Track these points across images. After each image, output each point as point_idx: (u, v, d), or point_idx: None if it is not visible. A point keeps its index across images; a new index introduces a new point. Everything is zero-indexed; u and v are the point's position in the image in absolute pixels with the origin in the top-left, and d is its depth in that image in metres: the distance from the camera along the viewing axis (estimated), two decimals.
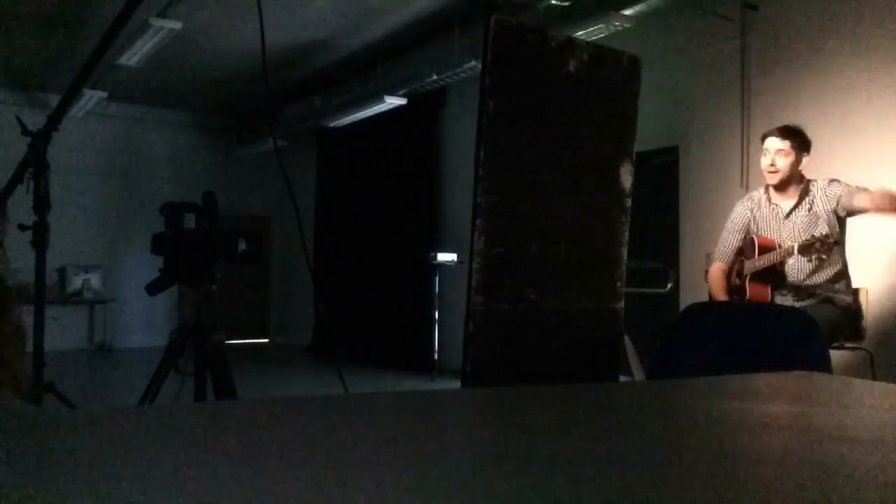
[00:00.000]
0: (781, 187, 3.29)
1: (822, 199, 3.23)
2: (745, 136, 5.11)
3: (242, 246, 2.13)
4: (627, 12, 5.13)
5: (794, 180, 3.28)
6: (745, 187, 4.88)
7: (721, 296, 3.40)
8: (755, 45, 5.10)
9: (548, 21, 5.30)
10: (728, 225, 3.47)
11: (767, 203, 3.35)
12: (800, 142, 3.27)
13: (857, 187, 3.19)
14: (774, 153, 3.26)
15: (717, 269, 3.46)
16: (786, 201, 3.31)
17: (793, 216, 3.28)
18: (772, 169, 3.26)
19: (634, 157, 1.41)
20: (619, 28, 5.23)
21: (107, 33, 2.22)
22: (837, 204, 3.19)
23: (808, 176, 3.33)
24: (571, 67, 1.29)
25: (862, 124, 4.43)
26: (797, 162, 3.26)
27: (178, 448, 0.64)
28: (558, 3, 5.28)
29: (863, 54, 4.49)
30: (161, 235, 2.13)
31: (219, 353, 2.12)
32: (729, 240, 3.46)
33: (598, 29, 5.20)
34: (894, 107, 4.33)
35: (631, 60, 1.40)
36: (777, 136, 3.27)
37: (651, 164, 5.66)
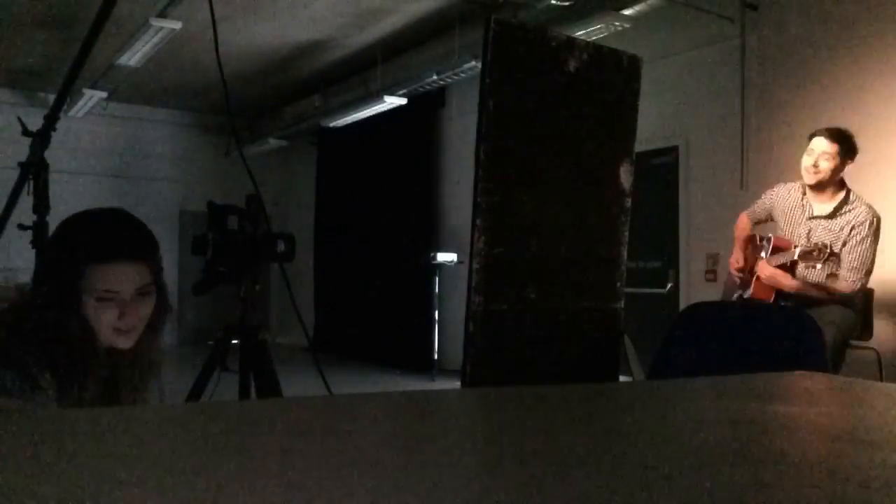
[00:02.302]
0: (818, 188, 3.25)
1: (851, 221, 3.19)
2: (744, 135, 5.11)
3: (281, 247, 2.18)
4: (627, 12, 5.13)
5: (832, 185, 3.23)
6: (745, 187, 4.89)
7: (740, 239, 3.56)
8: (755, 45, 5.10)
9: (548, 21, 5.31)
10: (763, 196, 3.55)
11: (800, 196, 3.33)
12: (847, 147, 3.21)
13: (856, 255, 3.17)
14: (819, 154, 3.20)
15: (744, 217, 3.60)
16: (819, 204, 3.28)
17: (818, 219, 3.27)
18: (814, 169, 3.21)
19: (634, 157, 1.41)
20: (619, 28, 5.23)
21: (90, 31, 2.23)
22: (850, 238, 3.19)
23: (851, 184, 3.30)
24: (571, 67, 1.29)
25: (862, 124, 4.43)
26: (840, 167, 3.20)
27: (178, 448, 0.64)
28: (558, 3, 5.28)
29: (862, 54, 4.49)
30: (201, 237, 2.18)
31: (264, 351, 2.17)
32: (759, 206, 3.54)
33: (598, 29, 5.21)
34: (894, 105, 4.33)
35: (631, 60, 1.40)
36: (825, 138, 3.21)
37: (651, 164, 5.66)
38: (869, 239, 3.16)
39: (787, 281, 3.21)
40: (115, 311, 1.38)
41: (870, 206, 3.21)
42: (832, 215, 3.22)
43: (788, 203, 3.37)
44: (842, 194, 3.23)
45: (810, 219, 3.28)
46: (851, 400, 1.05)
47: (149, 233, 1.49)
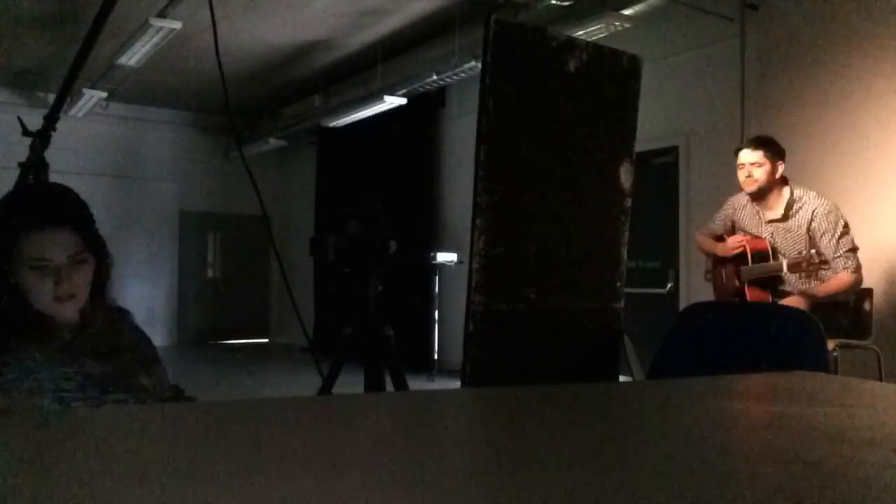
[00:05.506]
0: (760, 196, 3.35)
1: (805, 218, 3.26)
2: (744, 135, 5.10)
3: (393, 247, 2.31)
4: (627, 12, 5.13)
5: (773, 189, 3.33)
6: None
7: (712, 248, 3.63)
8: (755, 45, 5.10)
9: (548, 21, 5.30)
10: (717, 214, 3.66)
11: (751, 206, 3.44)
12: (773, 151, 3.31)
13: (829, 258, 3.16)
14: (749, 165, 3.32)
15: (700, 236, 3.77)
16: (768, 210, 3.37)
17: (773, 224, 3.36)
18: (749, 180, 3.33)
19: (634, 157, 1.41)
20: (619, 28, 5.23)
21: (90, 31, 2.24)
22: (815, 234, 3.24)
23: (792, 182, 3.36)
24: (571, 67, 1.29)
25: (862, 123, 4.43)
26: (773, 171, 3.30)
27: (178, 448, 0.64)
28: (558, 3, 5.28)
29: (862, 53, 4.49)
30: (321, 239, 2.30)
31: (390, 346, 2.32)
32: (715, 222, 3.65)
33: (598, 29, 5.21)
34: (894, 106, 4.33)
35: (631, 60, 1.40)
36: (749, 149, 3.34)
37: (651, 164, 5.66)
38: (832, 223, 3.21)
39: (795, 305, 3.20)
40: (50, 278, 1.41)
41: (819, 195, 3.28)
42: (784, 217, 3.31)
43: (746, 211, 3.48)
44: (786, 194, 3.31)
45: (768, 223, 3.38)
46: (851, 400, 1.05)
47: (78, 200, 1.51)
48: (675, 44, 5.55)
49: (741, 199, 3.50)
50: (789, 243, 3.29)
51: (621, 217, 1.40)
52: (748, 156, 3.34)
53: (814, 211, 3.23)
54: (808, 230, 3.24)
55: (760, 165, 3.30)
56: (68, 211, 1.47)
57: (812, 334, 1.75)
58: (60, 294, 1.42)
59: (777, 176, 3.30)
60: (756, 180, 3.31)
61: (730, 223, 3.58)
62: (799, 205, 3.28)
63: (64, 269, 1.42)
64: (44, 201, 1.47)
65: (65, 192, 1.50)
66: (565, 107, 1.32)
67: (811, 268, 3.08)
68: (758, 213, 3.40)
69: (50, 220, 1.42)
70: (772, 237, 3.36)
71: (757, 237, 3.42)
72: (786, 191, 3.32)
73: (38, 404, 1.34)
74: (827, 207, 3.23)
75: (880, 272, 3.90)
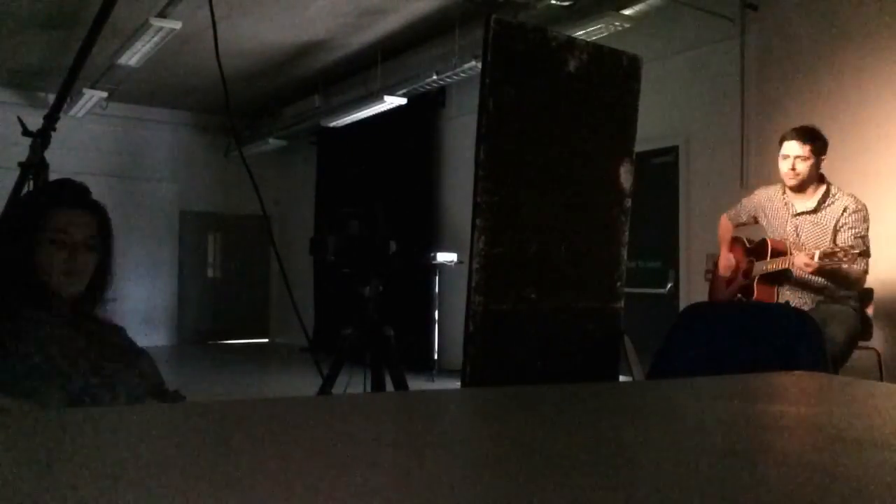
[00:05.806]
0: (800, 189, 3.32)
1: (836, 212, 3.24)
2: (744, 135, 5.11)
3: (393, 248, 2.33)
4: (627, 12, 5.13)
5: (812, 182, 3.30)
6: (745, 187, 4.89)
7: (726, 238, 3.63)
8: (755, 45, 5.10)
9: (548, 21, 5.31)
10: (744, 200, 3.63)
11: (782, 196, 3.41)
12: (819, 145, 3.27)
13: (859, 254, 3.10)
14: (794, 158, 3.26)
15: (724, 219, 3.70)
16: (800, 202, 3.34)
17: (802, 216, 3.33)
18: (793, 173, 3.27)
19: (634, 157, 1.41)
20: (619, 28, 5.23)
21: (90, 31, 2.24)
22: (840, 228, 3.21)
23: (830, 179, 3.35)
24: (571, 67, 1.29)
25: (861, 123, 4.43)
26: (816, 166, 3.27)
27: (178, 448, 0.64)
28: (558, 3, 5.28)
29: (862, 54, 4.49)
30: (320, 239, 2.32)
31: (390, 346, 2.36)
32: (742, 209, 3.61)
33: (598, 29, 5.21)
34: (893, 106, 4.33)
35: (631, 60, 1.40)
36: (797, 141, 3.26)
37: (651, 164, 5.66)
38: (857, 221, 3.20)
39: (810, 267, 3.16)
40: (65, 252, 1.56)
41: (853, 196, 3.26)
42: (816, 210, 3.28)
43: (773, 204, 3.44)
44: (822, 189, 3.29)
45: (795, 216, 3.34)
46: (851, 400, 1.05)
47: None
48: (675, 44, 5.55)
49: (772, 191, 3.48)
50: (815, 236, 3.27)
51: (621, 217, 1.40)
52: (795, 148, 3.26)
53: (845, 208, 3.21)
54: (836, 226, 3.22)
55: (806, 160, 3.25)
56: (92, 199, 1.67)
57: (812, 334, 1.75)
58: (70, 269, 1.57)
59: (819, 171, 3.28)
60: (798, 174, 3.26)
61: (752, 216, 3.56)
62: (832, 200, 3.27)
63: (79, 247, 1.58)
64: (72, 187, 1.66)
65: (87, 188, 1.70)
66: (565, 107, 1.32)
67: (848, 257, 3.01)
68: (787, 204, 3.38)
69: (76, 202, 1.62)
70: (796, 231, 3.34)
71: (776, 241, 3.41)
72: (822, 187, 3.30)
73: (45, 391, 1.41)
74: (857, 206, 3.22)
75: (881, 273, 3.90)
